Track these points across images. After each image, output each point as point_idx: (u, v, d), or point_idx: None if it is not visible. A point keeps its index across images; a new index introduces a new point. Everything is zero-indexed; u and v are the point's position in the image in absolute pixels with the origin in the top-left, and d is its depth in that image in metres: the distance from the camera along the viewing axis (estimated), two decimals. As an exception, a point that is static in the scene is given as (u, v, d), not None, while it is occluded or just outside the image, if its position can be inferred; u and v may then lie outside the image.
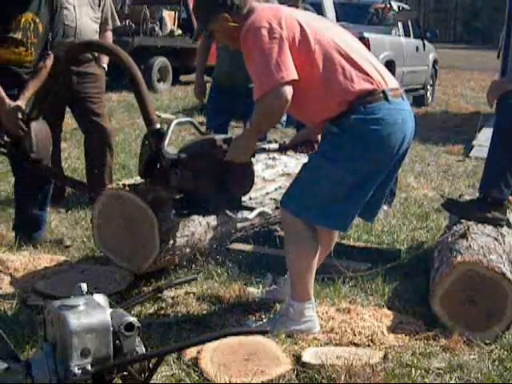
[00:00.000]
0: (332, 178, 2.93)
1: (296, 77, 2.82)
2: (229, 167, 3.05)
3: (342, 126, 2.91)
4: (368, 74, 2.93)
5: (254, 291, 3.50)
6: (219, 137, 3.17)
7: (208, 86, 5.37)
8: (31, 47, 3.82)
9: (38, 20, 3.78)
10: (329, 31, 3.03)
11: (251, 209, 3.40)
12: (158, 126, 3.22)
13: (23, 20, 3.73)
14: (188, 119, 3.65)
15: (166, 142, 3.14)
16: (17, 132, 3.73)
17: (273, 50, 2.83)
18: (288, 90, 2.81)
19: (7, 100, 3.71)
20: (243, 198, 3.32)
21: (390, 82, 3.00)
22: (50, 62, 3.88)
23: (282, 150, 3.41)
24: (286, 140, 3.54)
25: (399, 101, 2.98)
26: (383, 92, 2.91)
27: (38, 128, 3.80)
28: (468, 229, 3.57)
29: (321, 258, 3.25)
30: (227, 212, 3.24)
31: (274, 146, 3.35)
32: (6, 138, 3.81)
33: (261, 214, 3.50)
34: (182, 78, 15.21)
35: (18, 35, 3.74)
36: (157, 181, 3.25)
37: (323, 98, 2.93)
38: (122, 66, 3.31)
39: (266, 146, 3.32)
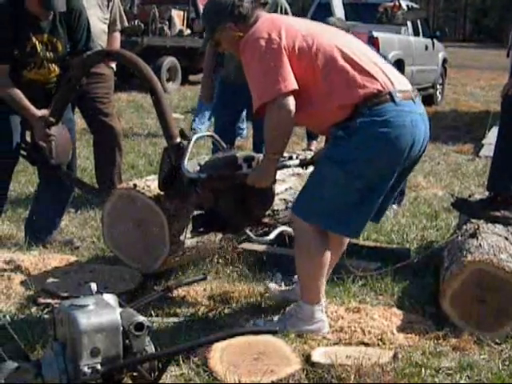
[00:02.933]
0: (340, 183, 2.87)
1: (295, 87, 2.80)
2: (249, 188, 3.04)
3: (348, 130, 2.85)
4: (372, 76, 2.87)
5: (276, 288, 3.47)
6: (240, 155, 3.15)
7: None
8: (53, 65, 3.84)
9: (55, 39, 3.80)
10: (330, 36, 3.01)
11: (270, 225, 3.38)
12: (179, 140, 3.22)
13: (37, 42, 3.74)
14: (209, 133, 3.66)
15: (187, 158, 3.15)
16: (43, 140, 3.76)
17: (270, 61, 2.81)
18: (289, 101, 2.79)
19: (34, 110, 3.75)
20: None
21: (399, 84, 2.93)
22: None
23: (303, 165, 3.35)
24: (306, 156, 3.54)
25: (409, 103, 2.90)
26: (389, 94, 2.85)
27: (58, 133, 3.82)
28: (478, 228, 3.56)
29: (332, 263, 3.23)
30: (246, 231, 3.25)
31: (295, 161, 3.30)
32: (28, 138, 3.85)
33: (281, 234, 3.47)
34: (191, 77, 15.23)
35: (38, 58, 3.77)
36: (176, 195, 3.27)
37: (328, 102, 2.88)
38: (142, 77, 3.30)
39: (287, 162, 3.28)
